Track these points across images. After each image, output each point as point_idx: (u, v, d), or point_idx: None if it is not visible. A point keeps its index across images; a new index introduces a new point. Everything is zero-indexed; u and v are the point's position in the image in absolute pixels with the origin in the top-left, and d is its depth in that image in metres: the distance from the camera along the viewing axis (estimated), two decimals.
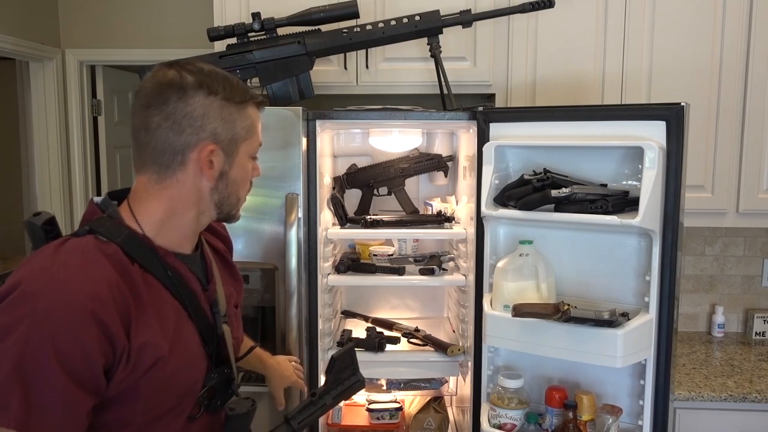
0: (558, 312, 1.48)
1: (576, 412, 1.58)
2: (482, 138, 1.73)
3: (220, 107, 0.98)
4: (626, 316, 1.52)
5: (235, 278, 1.23)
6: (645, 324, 1.55)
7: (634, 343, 1.51)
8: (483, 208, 1.67)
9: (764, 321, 2.40)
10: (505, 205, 1.67)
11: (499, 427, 1.66)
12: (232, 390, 1.09)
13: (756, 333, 2.41)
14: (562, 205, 1.59)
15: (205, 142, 0.97)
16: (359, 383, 1.23)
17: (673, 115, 1.54)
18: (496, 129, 1.72)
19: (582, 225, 1.62)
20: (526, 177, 1.65)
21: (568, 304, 1.49)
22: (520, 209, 1.62)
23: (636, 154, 1.60)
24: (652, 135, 1.55)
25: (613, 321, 1.48)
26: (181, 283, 1.00)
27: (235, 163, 1.02)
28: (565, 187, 1.57)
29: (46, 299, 0.83)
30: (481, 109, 1.76)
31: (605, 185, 1.65)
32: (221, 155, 0.99)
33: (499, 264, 1.68)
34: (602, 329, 1.48)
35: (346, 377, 1.20)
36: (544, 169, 1.64)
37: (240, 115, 1.01)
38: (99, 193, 3.35)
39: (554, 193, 1.57)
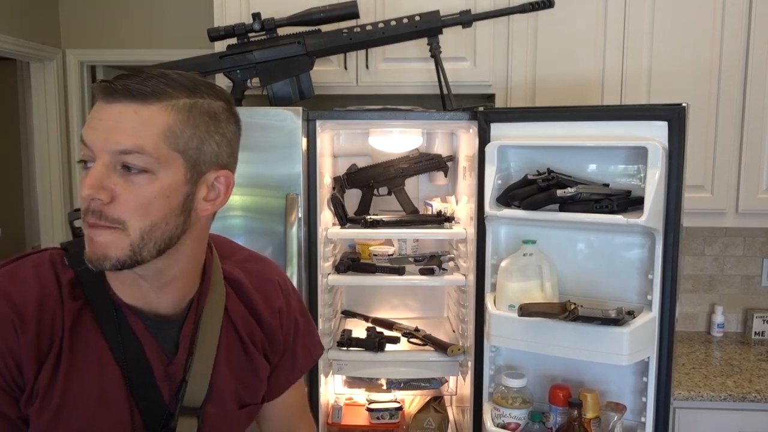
0: (565, 311, 1.48)
1: (581, 410, 1.59)
2: (483, 138, 1.73)
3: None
4: (632, 314, 1.53)
5: (255, 375, 0.99)
6: (649, 322, 1.57)
7: (639, 340, 1.53)
8: (487, 209, 1.67)
9: (763, 321, 2.40)
10: (508, 205, 1.68)
11: (503, 427, 1.66)
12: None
13: (755, 333, 2.41)
14: (566, 204, 1.60)
15: None
16: None
17: (674, 116, 1.55)
18: (497, 129, 1.72)
19: (585, 224, 1.63)
20: (530, 177, 1.65)
21: (575, 303, 1.49)
22: (524, 209, 1.63)
23: (638, 154, 1.61)
24: (653, 135, 1.56)
25: (619, 319, 1.49)
26: (129, 342, 0.86)
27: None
28: (570, 187, 1.58)
29: None
30: (481, 109, 1.76)
31: (607, 185, 1.65)
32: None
33: (503, 264, 1.68)
34: (608, 327, 1.49)
35: None
36: (548, 169, 1.65)
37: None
38: None
39: (560, 192, 1.58)
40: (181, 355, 0.89)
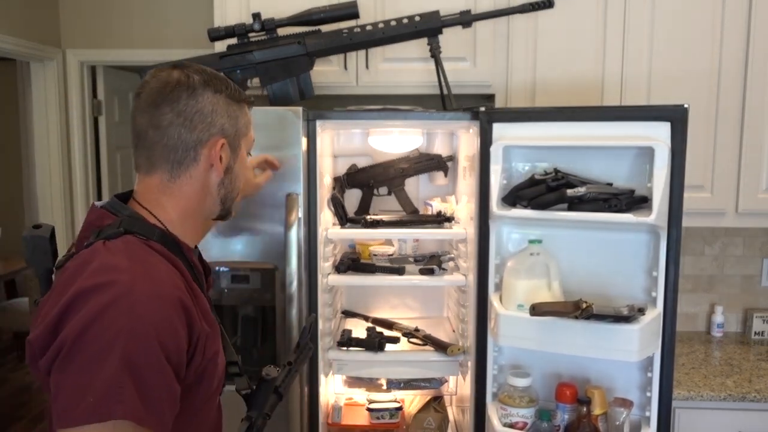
0: (578, 309, 1.49)
1: (589, 407, 1.59)
2: (485, 138, 1.73)
3: (226, 104, 1.02)
4: (642, 311, 1.54)
5: None
6: (655, 318, 1.59)
7: (647, 337, 1.55)
8: (494, 209, 1.67)
9: (763, 320, 2.40)
10: (513, 205, 1.68)
11: (511, 426, 1.66)
12: (239, 369, 1.12)
13: (755, 332, 2.41)
14: (574, 204, 1.61)
15: (216, 137, 1.01)
16: (311, 349, 1.34)
17: (677, 116, 1.58)
18: (499, 129, 1.73)
19: (590, 223, 1.64)
20: (537, 177, 1.66)
21: (586, 302, 1.50)
22: (533, 209, 1.63)
23: (640, 153, 1.62)
24: (656, 135, 1.58)
25: (630, 316, 1.50)
26: (199, 278, 1.03)
27: (238, 157, 1.07)
28: (579, 187, 1.59)
29: (140, 293, 0.84)
30: (483, 109, 1.76)
31: (611, 184, 1.66)
32: (228, 150, 1.03)
33: (510, 263, 1.68)
34: (619, 325, 1.51)
35: (305, 344, 1.30)
36: (555, 168, 1.66)
37: (241, 112, 1.06)
38: (99, 194, 3.35)
39: (570, 192, 1.59)
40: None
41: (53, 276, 1.01)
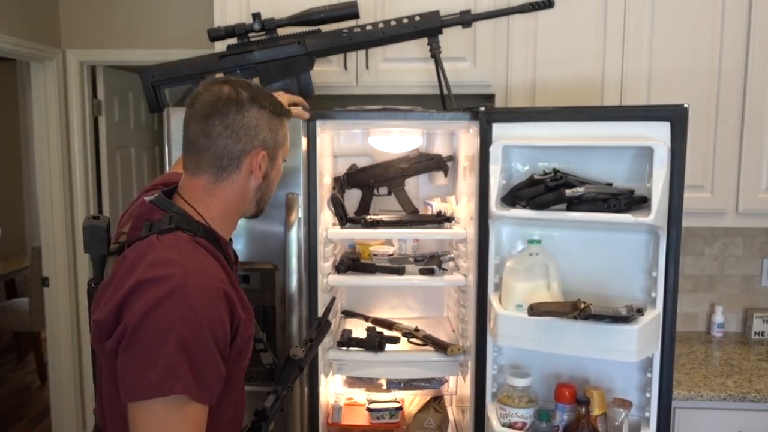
0: (576, 309, 1.49)
1: (588, 407, 1.59)
2: (485, 138, 1.73)
3: (269, 119, 1.16)
4: (641, 311, 1.54)
5: None
6: (654, 319, 1.59)
7: (646, 337, 1.55)
8: (493, 209, 1.67)
9: (763, 321, 2.40)
10: (513, 205, 1.68)
11: (510, 426, 1.66)
12: (264, 345, 1.30)
13: (755, 332, 2.41)
14: (573, 204, 1.61)
15: (258, 149, 1.14)
16: (330, 325, 1.56)
17: (677, 116, 1.58)
18: (498, 129, 1.73)
19: (590, 224, 1.64)
20: (536, 177, 1.66)
21: (584, 302, 1.50)
22: (532, 209, 1.63)
23: (640, 153, 1.62)
24: (656, 135, 1.58)
25: (629, 317, 1.50)
26: (233, 267, 1.18)
27: (275, 165, 1.21)
28: (578, 187, 1.59)
29: (192, 286, 0.97)
30: (483, 109, 1.76)
31: (610, 184, 1.66)
32: (267, 160, 1.17)
33: (509, 263, 1.68)
34: (618, 325, 1.51)
35: (325, 321, 1.51)
36: (554, 168, 1.66)
37: (280, 126, 1.20)
38: (99, 194, 3.35)
39: (569, 192, 1.58)
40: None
41: (107, 262, 1.16)
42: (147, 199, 1.12)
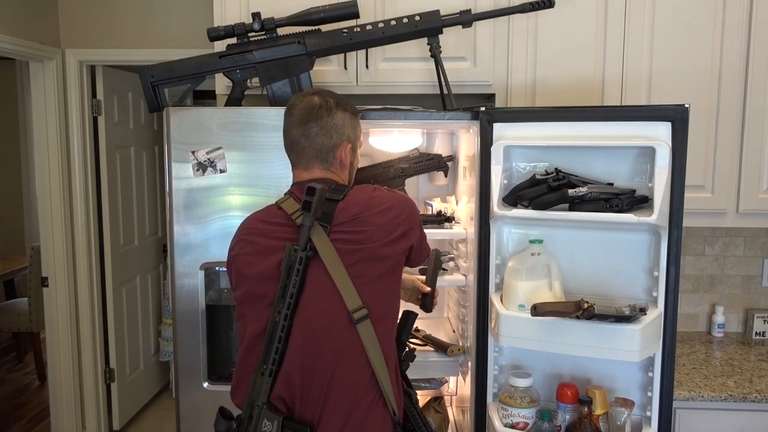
0: (579, 309, 1.49)
1: (590, 407, 1.59)
2: (485, 138, 1.73)
3: (351, 119, 1.47)
4: (644, 311, 1.54)
5: None
6: (656, 318, 1.59)
7: (648, 337, 1.56)
8: (495, 209, 1.67)
9: (764, 321, 2.40)
10: (515, 205, 1.68)
11: (512, 426, 1.66)
12: None
13: (756, 333, 2.41)
14: (575, 204, 1.61)
15: (345, 143, 1.45)
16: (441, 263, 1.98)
17: (678, 116, 1.58)
18: (499, 129, 1.72)
19: (591, 223, 1.65)
20: (538, 177, 1.66)
21: (587, 302, 1.49)
22: (534, 209, 1.63)
23: (641, 153, 1.62)
24: (657, 135, 1.59)
25: (632, 316, 1.50)
26: None
27: (356, 153, 1.52)
28: (581, 187, 1.59)
29: (413, 205, 1.47)
30: (483, 109, 1.76)
31: (611, 184, 1.66)
32: (350, 150, 1.48)
33: (510, 263, 1.68)
34: (620, 325, 1.51)
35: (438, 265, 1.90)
36: (556, 168, 1.66)
37: (358, 124, 1.51)
38: (99, 193, 3.35)
39: (571, 192, 1.59)
40: None
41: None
42: (314, 185, 1.36)
